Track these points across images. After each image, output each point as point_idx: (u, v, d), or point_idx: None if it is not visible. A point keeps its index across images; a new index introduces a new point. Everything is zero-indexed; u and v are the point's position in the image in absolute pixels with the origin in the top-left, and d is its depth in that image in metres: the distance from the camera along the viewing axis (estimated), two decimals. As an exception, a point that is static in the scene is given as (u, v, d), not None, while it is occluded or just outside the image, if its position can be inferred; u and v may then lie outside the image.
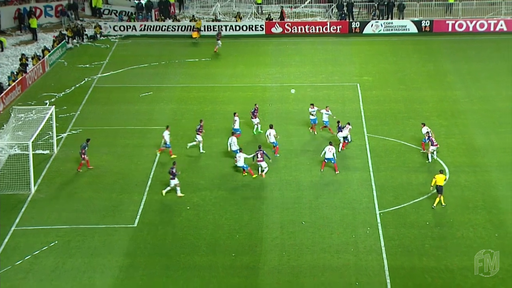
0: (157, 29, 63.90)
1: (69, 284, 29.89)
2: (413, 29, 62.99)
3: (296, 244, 32.22)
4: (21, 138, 39.17)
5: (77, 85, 51.54)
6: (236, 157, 38.26)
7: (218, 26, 62.80)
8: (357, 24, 63.36)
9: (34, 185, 37.18)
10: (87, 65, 55.75)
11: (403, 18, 64.47)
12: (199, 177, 37.97)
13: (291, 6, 68.65)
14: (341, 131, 40.59)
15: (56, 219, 34.57)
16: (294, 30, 63.38)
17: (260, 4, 68.82)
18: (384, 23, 63.30)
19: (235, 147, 39.19)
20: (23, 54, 55.42)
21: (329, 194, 36.61)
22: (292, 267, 30.71)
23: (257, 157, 38.02)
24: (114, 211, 35.30)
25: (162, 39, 62.91)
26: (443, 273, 30.18)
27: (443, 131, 42.06)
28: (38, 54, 55.85)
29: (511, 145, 41.33)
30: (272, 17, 65.56)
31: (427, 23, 63.13)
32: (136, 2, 67.60)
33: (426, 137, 39.65)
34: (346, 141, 40.92)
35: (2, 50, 58.41)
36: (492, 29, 62.67)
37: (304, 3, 69.10)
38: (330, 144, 38.52)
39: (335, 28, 63.35)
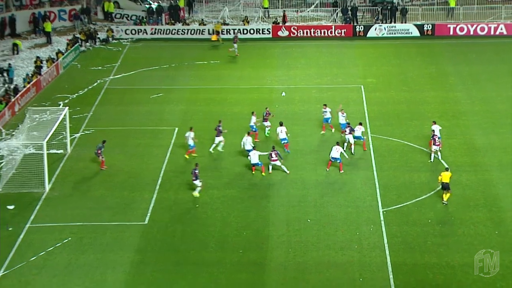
0: (167, 32, 64.23)
1: (81, 280, 30.13)
2: (416, 32, 63.07)
3: (301, 241, 32.48)
4: (35, 138, 39.36)
5: (90, 87, 51.86)
6: (249, 155, 38.47)
7: (234, 30, 63.14)
8: (361, 28, 63.46)
9: (48, 184, 37.45)
10: (100, 68, 56.11)
11: (405, 22, 64.49)
12: (207, 176, 37.95)
13: (297, 10, 68.89)
14: (352, 132, 40.34)
15: (70, 216, 34.80)
16: (300, 34, 63.52)
17: (267, 8, 69.08)
18: (387, 26, 63.45)
19: (248, 146, 39.50)
20: (37, 57, 55.65)
21: (334, 192, 36.83)
22: (298, 264, 30.99)
23: (272, 157, 38.23)
24: (125, 208, 35.56)
25: (172, 42, 63.08)
26: (445, 269, 30.39)
27: (445, 132, 41.81)
28: (52, 56, 56.04)
29: (511, 145, 41.45)
30: (278, 21, 65.84)
31: (429, 26, 63.19)
32: (147, 6, 67.98)
33: (438, 135, 39.73)
34: (362, 139, 40.84)
35: (17, 53, 58.75)
36: (492, 32, 62.61)
37: (310, 7, 69.45)
38: (337, 144, 38.75)
39: (339, 31, 63.49)
